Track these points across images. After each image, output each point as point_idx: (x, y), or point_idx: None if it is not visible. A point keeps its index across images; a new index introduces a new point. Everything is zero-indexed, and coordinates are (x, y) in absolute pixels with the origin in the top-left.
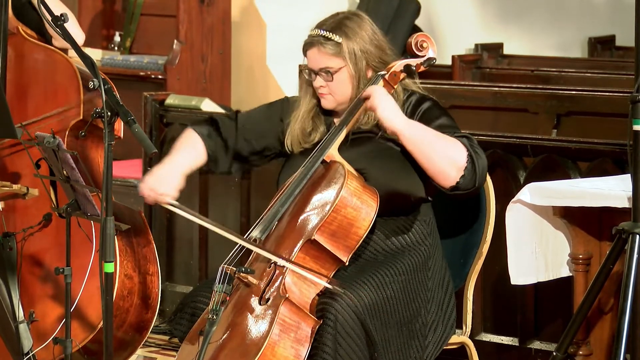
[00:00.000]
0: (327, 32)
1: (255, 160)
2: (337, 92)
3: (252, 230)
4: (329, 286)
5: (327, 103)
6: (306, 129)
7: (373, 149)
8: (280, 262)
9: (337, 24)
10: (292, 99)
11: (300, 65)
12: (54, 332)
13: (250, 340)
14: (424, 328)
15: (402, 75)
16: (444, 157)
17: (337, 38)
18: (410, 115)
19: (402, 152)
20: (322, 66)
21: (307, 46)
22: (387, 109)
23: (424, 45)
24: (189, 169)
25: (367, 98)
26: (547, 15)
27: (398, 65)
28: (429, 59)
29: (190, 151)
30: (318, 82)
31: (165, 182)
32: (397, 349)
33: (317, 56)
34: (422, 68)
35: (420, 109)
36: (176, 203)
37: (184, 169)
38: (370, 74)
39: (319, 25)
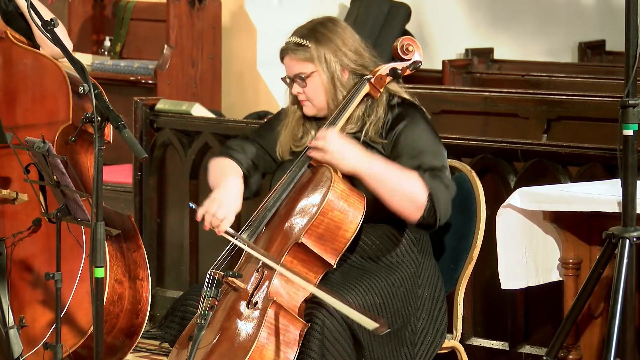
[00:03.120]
0: (298, 39)
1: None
2: (313, 97)
3: (240, 234)
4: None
5: (308, 110)
6: (297, 135)
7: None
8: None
9: (308, 30)
10: (286, 108)
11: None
12: (44, 338)
13: (239, 344)
14: (414, 336)
15: (388, 79)
16: (403, 196)
17: (307, 43)
18: (388, 132)
19: (386, 157)
20: (295, 72)
21: (282, 53)
22: (340, 157)
23: (410, 48)
24: (242, 191)
25: (316, 149)
26: (537, 20)
27: (384, 69)
28: (415, 62)
29: (237, 175)
30: (295, 89)
31: (225, 206)
32: (385, 356)
33: (290, 63)
34: (408, 71)
35: (397, 129)
36: (232, 232)
37: (241, 191)
38: (347, 77)
39: (294, 32)
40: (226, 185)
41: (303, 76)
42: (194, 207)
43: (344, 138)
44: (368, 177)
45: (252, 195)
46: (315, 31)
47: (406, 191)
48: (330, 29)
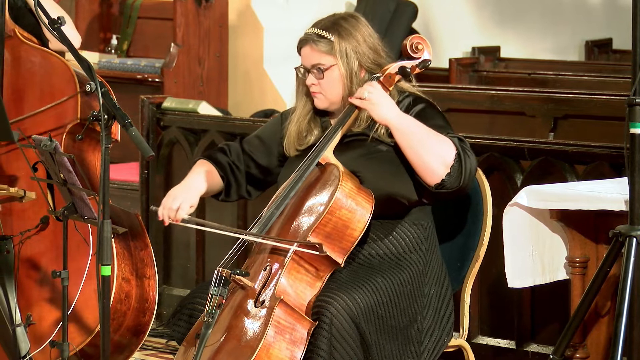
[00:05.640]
0: (321, 31)
1: (269, 177)
2: (328, 90)
3: (249, 231)
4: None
5: (320, 102)
6: (302, 132)
7: (367, 151)
8: (290, 246)
9: (331, 23)
10: (288, 110)
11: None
12: (51, 336)
13: (246, 342)
14: (420, 334)
15: (397, 77)
16: (433, 152)
17: (330, 36)
18: None
19: (395, 154)
20: (313, 62)
21: (301, 43)
22: (379, 104)
23: (419, 47)
24: (204, 189)
25: (359, 98)
26: (543, 18)
27: (393, 67)
28: (424, 60)
29: (204, 175)
30: (310, 79)
31: (179, 198)
32: (392, 354)
33: (310, 53)
34: (417, 70)
35: (414, 110)
36: (188, 218)
37: (199, 188)
38: (363, 74)
39: (315, 24)
40: (183, 181)
41: (322, 68)
42: (154, 209)
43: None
44: (400, 129)
45: (243, 197)
46: (338, 25)
47: (436, 145)
48: (353, 25)
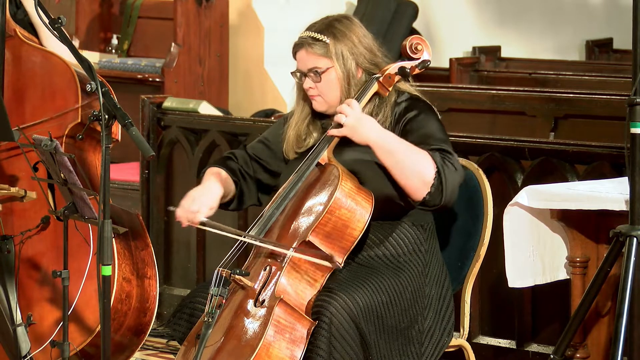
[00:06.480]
0: (316, 33)
1: (277, 181)
2: (326, 93)
3: (248, 232)
4: (334, 264)
5: (318, 105)
6: (301, 136)
7: (367, 152)
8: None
9: (326, 25)
10: (289, 114)
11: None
12: (52, 335)
13: (246, 342)
14: (420, 335)
15: (397, 77)
16: (413, 171)
17: (325, 39)
18: (396, 122)
19: None
20: (310, 66)
21: (296, 47)
22: (357, 126)
23: (419, 47)
24: (222, 192)
25: (337, 125)
26: (544, 18)
27: (392, 67)
28: (424, 61)
29: (221, 179)
30: (307, 83)
31: (198, 200)
32: (392, 354)
33: (305, 57)
34: (416, 70)
35: (406, 117)
36: (206, 221)
37: (218, 191)
38: (360, 75)
39: (309, 27)
40: (202, 185)
41: (319, 71)
42: (173, 209)
43: (361, 111)
44: (380, 148)
45: (254, 204)
46: (333, 27)
47: (415, 165)
48: (347, 26)
